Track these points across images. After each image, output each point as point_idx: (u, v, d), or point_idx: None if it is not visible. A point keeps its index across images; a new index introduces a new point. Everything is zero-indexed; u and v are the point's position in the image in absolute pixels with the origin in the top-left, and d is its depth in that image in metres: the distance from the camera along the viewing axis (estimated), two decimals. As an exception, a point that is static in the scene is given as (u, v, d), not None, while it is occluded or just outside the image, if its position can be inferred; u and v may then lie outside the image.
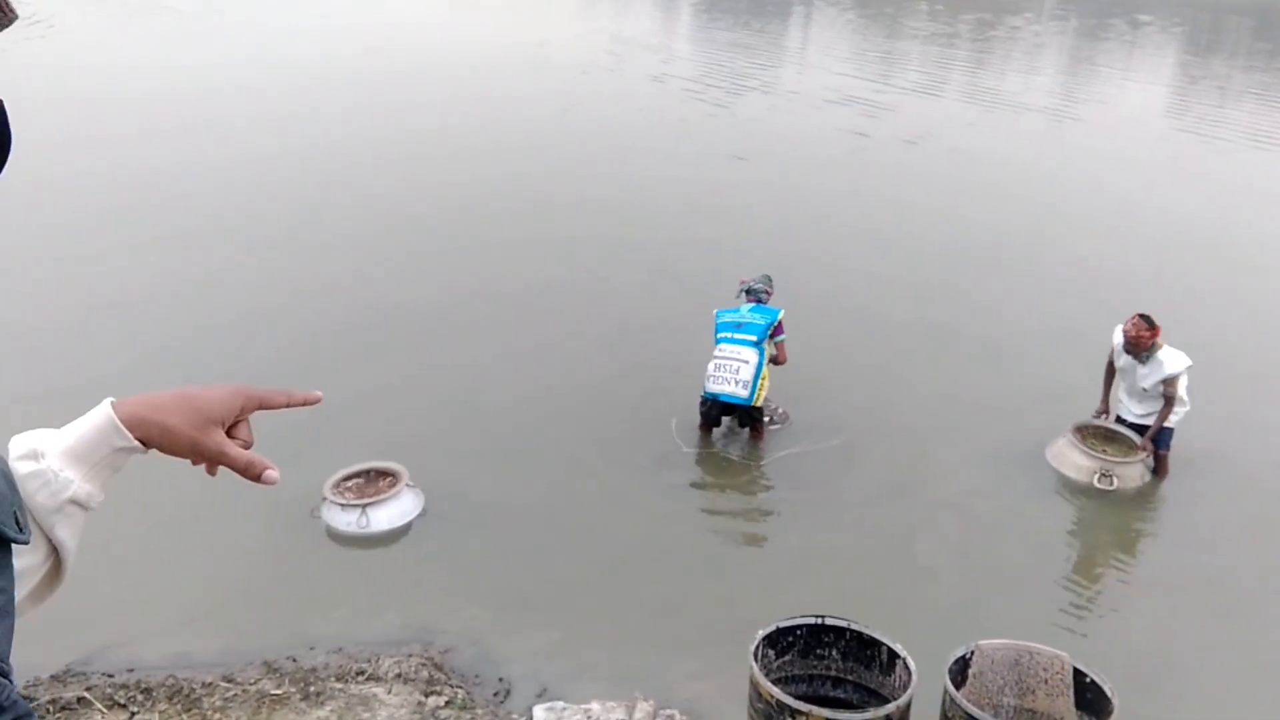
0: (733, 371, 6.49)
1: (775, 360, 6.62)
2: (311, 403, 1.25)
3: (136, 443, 1.08)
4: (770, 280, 6.93)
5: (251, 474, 1.17)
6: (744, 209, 11.82)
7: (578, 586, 5.37)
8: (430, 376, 7.53)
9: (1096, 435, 6.68)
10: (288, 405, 1.23)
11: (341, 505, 5.70)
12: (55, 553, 1.05)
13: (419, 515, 5.83)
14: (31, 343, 7.65)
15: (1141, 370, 6.35)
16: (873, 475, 6.55)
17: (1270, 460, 6.82)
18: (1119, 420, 6.71)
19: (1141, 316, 6.25)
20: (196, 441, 1.12)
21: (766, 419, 6.81)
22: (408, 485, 5.87)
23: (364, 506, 5.67)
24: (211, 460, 1.15)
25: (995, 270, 10.40)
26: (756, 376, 6.46)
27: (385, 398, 7.19)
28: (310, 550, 5.60)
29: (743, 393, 6.49)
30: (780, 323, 6.62)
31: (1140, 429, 6.57)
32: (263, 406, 1.20)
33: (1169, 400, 6.32)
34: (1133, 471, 6.47)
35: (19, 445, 1.04)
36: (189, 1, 26.68)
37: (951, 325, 8.90)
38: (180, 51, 20.55)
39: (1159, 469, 6.56)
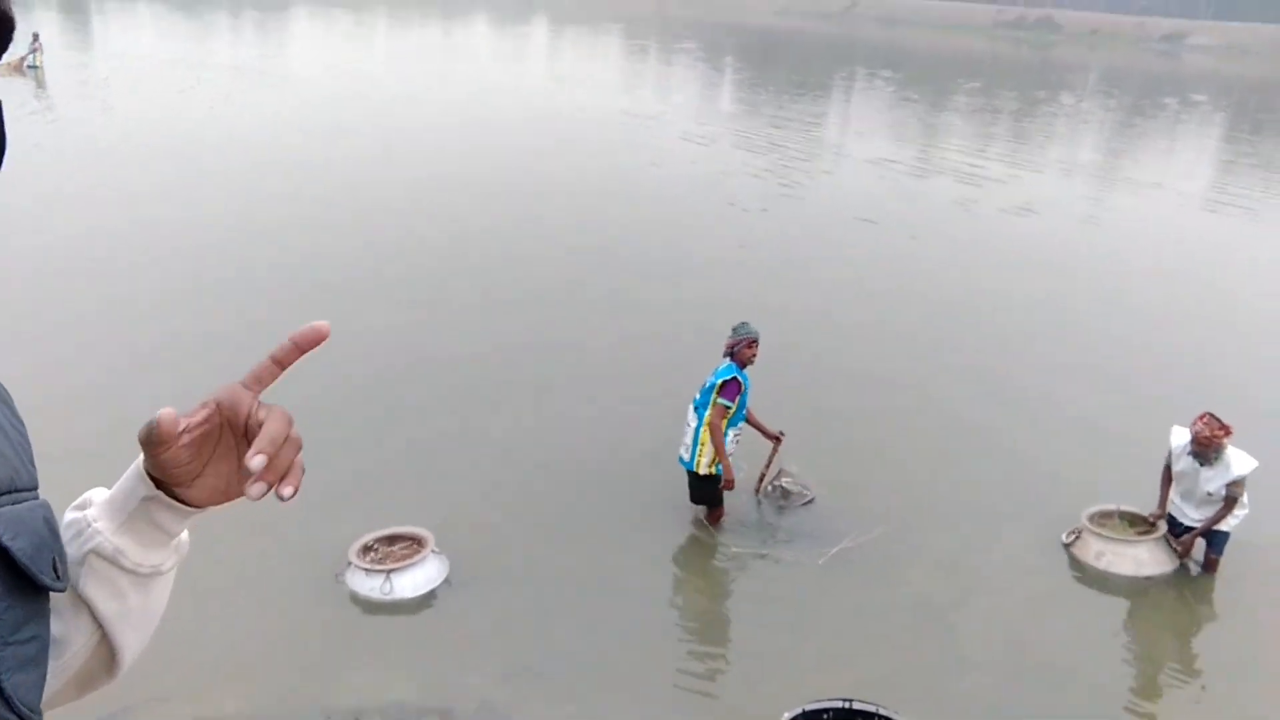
0: (687, 433, 6.33)
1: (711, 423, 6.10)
2: (320, 337, 1.02)
3: (157, 490, 0.97)
4: (742, 327, 6.19)
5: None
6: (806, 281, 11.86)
7: (599, 662, 5.27)
8: (461, 439, 7.55)
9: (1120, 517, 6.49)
10: (294, 357, 1.01)
11: (366, 570, 5.67)
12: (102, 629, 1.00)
13: (443, 583, 5.79)
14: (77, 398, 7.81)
15: (1206, 473, 5.92)
16: (908, 557, 6.38)
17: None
18: (1171, 525, 6.28)
19: (1212, 415, 5.85)
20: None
21: (722, 498, 6.42)
22: (433, 551, 5.84)
23: (388, 573, 5.64)
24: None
25: (1038, 354, 10.28)
26: (695, 438, 6.24)
27: (415, 459, 7.22)
28: (333, 615, 5.56)
29: (684, 454, 6.33)
30: (724, 383, 6.07)
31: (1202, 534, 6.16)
32: (260, 383, 0.99)
33: (1230, 501, 5.90)
34: (1132, 552, 6.22)
35: (84, 496, 1.01)
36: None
37: (992, 410, 8.79)
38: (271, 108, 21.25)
39: (1208, 569, 6.21)
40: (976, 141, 25.20)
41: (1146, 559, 6.24)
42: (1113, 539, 6.29)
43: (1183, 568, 6.28)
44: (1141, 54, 66.36)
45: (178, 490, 0.97)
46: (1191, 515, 6.15)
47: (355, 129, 20.56)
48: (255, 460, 0.88)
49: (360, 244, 12.37)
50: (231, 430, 0.97)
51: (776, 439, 6.76)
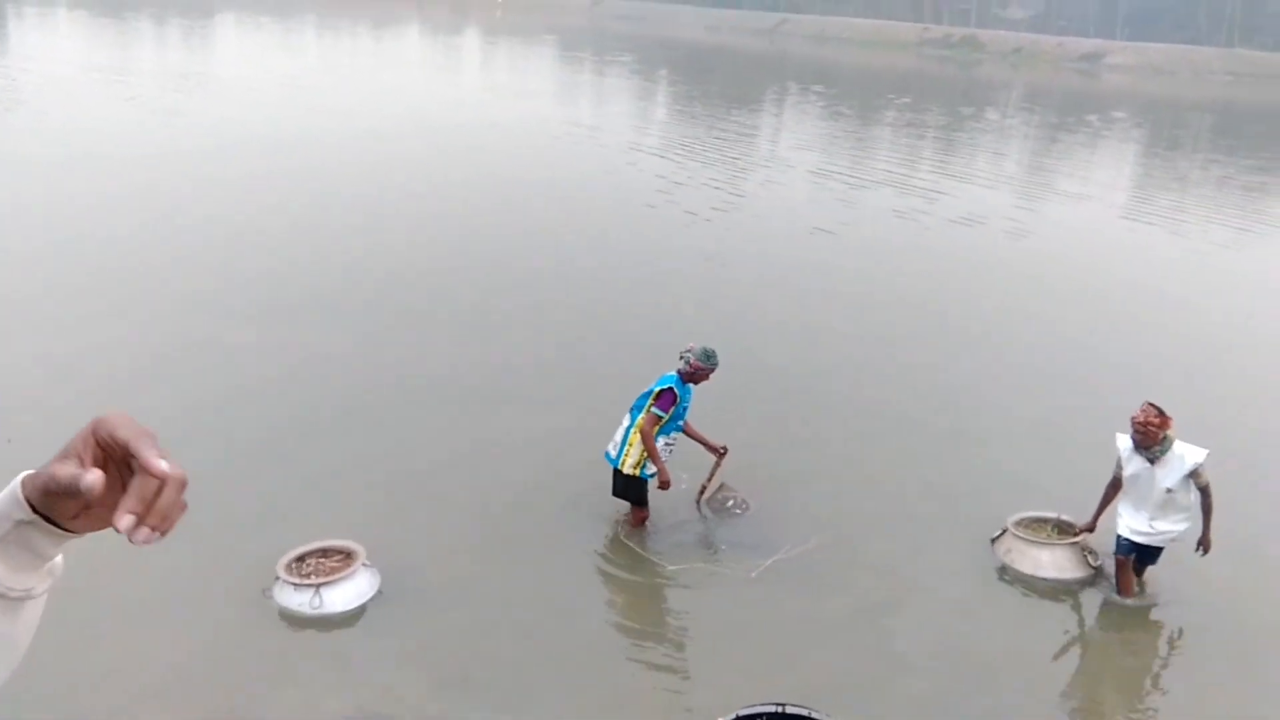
0: (618, 431, 6.42)
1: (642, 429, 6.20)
2: (153, 474, 0.92)
3: (34, 515, 0.93)
4: (703, 355, 6.25)
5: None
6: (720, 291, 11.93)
7: (534, 674, 5.22)
8: (394, 453, 7.43)
9: (1055, 526, 6.57)
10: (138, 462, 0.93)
11: (295, 585, 5.54)
12: None
13: (374, 596, 5.67)
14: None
15: (1160, 472, 5.72)
16: (843, 565, 6.43)
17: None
18: (1121, 543, 5.99)
19: (1151, 404, 5.68)
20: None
21: (646, 499, 6.48)
22: (364, 565, 5.73)
23: (317, 587, 5.51)
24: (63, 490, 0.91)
25: (972, 354, 10.50)
26: (625, 437, 6.33)
27: (345, 473, 7.08)
28: (262, 631, 5.42)
29: (612, 451, 6.41)
30: (660, 392, 6.22)
31: (1152, 552, 5.97)
32: (114, 439, 0.93)
33: (1205, 491, 5.72)
34: (1034, 553, 6.31)
35: None
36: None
37: (921, 411, 8.94)
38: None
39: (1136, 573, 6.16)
40: (911, 154, 25.70)
41: (1046, 561, 6.32)
42: (1021, 538, 6.40)
43: (1095, 579, 6.32)
44: (1062, 72, 68.42)
45: (58, 520, 0.95)
46: (1153, 526, 5.86)
47: (295, 140, 20.20)
48: (124, 521, 0.90)
49: (299, 260, 12.14)
50: (111, 461, 0.95)
51: (720, 453, 6.80)
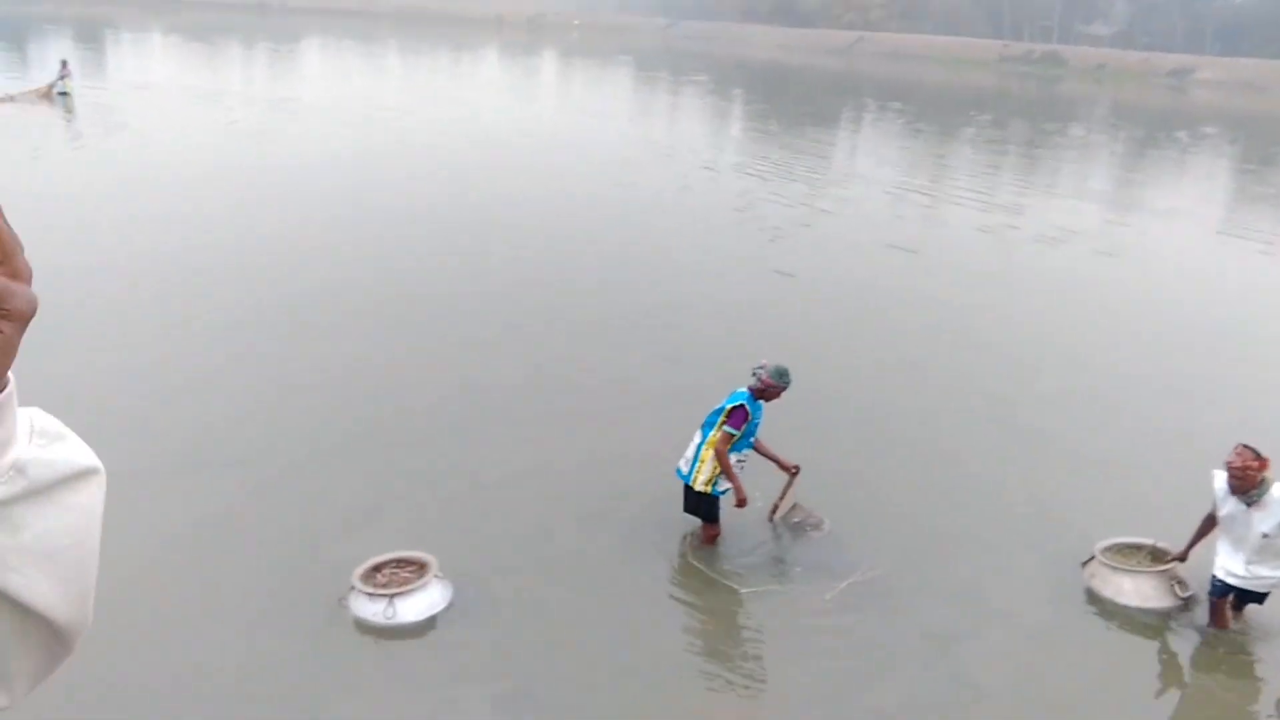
0: (689, 448, 6.38)
1: (714, 445, 6.17)
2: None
3: None
4: (775, 372, 6.22)
5: None
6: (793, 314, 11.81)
7: (598, 694, 5.16)
8: (469, 466, 7.46)
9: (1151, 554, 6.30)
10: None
11: (369, 594, 5.58)
12: None
13: (445, 608, 5.68)
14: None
15: (1257, 515, 5.39)
16: (918, 589, 6.25)
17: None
18: (1215, 583, 5.71)
19: (1245, 446, 5.40)
20: None
21: (717, 516, 6.42)
22: (436, 576, 5.75)
23: (391, 597, 5.55)
24: None
25: (1061, 374, 10.20)
26: (696, 454, 6.28)
27: (421, 485, 7.14)
28: (335, 639, 5.46)
29: (684, 467, 6.35)
30: (732, 409, 6.16)
31: (1250, 595, 5.68)
32: None
33: None
34: (1116, 579, 6.06)
35: None
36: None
37: (1004, 432, 8.70)
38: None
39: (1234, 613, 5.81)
40: (993, 171, 25.24)
41: (1129, 589, 6.07)
42: (1106, 564, 6.16)
43: (1185, 607, 6.03)
44: (1149, 89, 66.60)
45: None
46: (1251, 571, 5.55)
47: (376, 158, 20.66)
48: None
49: (375, 274, 12.34)
50: None
51: (792, 472, 6.69)
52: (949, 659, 5.58)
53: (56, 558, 0.93)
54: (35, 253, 0.85)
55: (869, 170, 23.91)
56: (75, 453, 0.94)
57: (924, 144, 31.21)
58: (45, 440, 0.92)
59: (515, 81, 48.64)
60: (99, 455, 0.98)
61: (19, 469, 0.89)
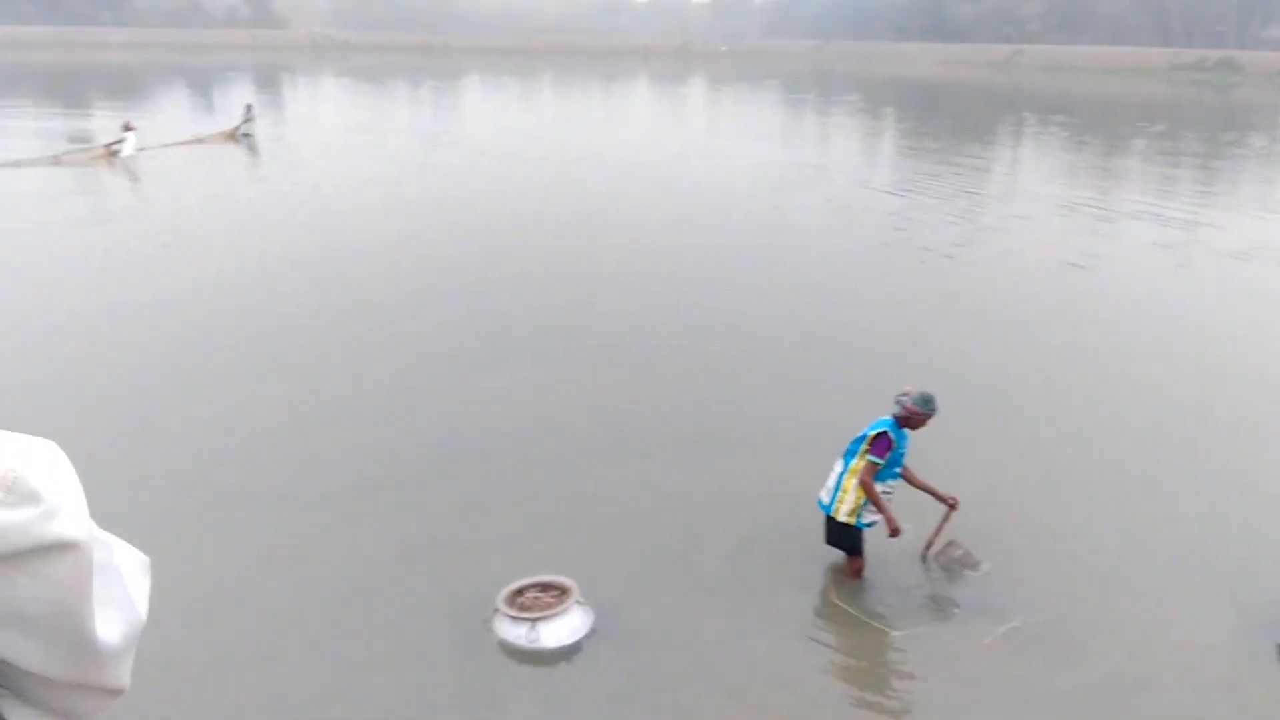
0: (830, 478, 6.17)
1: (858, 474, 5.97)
2: None
3: None
4: (920, 400, 5.95)
5: None
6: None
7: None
8: (611, 493, 7.45)
9: None
10: None
11: (512, 618, 5.61)
12: None
13: (587, 634, 5.66)
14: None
15: None
16: (1086, 636, 5.82)
17: None
18: None
19: None
20: None
21: (861, 548, 6.18)
22: (578, 602, 5.73)
23: (534, 621, 5.56)
24: None
25: (1257, 399, 9.43)
26: (838, 484, 6.05)
27: (565, 510, 7.17)
28: (479, 662, 5.51)
29: (825, 498, 6.12)
30: (875, 436, 5.92)
31: None
32: None
33: None
34: None
35: None
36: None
37: (1187, 466, 8.06)
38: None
39: None
40: (1168, 184, 23.76)
41: None
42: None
43: None
44: (1340, 93, 61.45)
45: None
46: None
47: (532, 188, 21.23)
48: None
49: (524, 301, 12.58)
50: None
51: (950, 504, 6.36)
52: (1118, 712, 5.15)
53: (36, 623, 0.89)
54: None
55: (1032, 185, 22.89)
56: (40, 522, 0.87)
57: (1090, 157, 29.69)
58: (12, 499, 0.86)
59: (664, 109, 49.19)
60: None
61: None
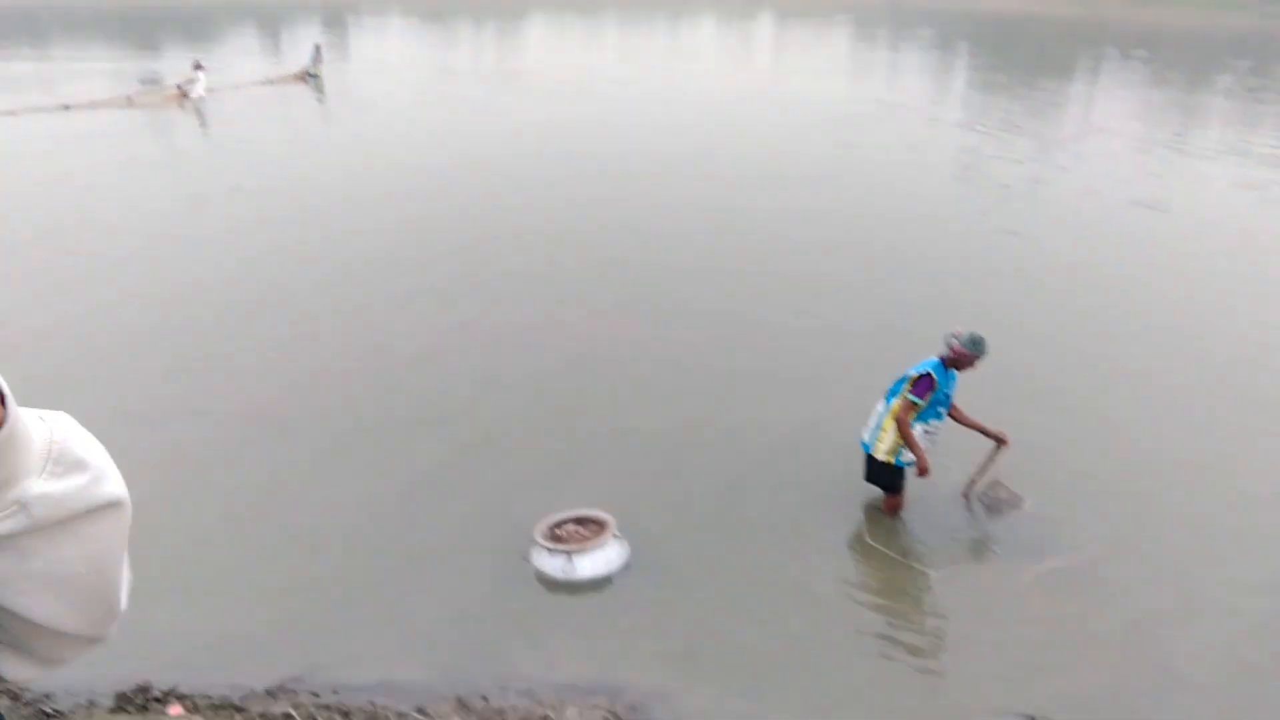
0: (872, 416, 6.16)
1: (897, 414, 5.91)
2: None
3: None
4: (969, 341, 5.84)
5: None
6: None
7: (766, 659, 5.06)
8: (653, 431, 7.50)
9: None
10: None
11: (549, 550, 5.73)
12: None
13: (623, 567, 5.75)
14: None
15: None
16: (1125, 575, 5.75)
17: None
18: None
19: None
20: None
21: (900, 486, 6.18)
22: (614, 536, 5.82)
23: (570, 553, 5.67)
24: None
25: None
26: (879, 423, 6.03)
27: (606, 448, 7.24)
28: (516, 591, 5.65)
29: (865, 436, 6.13)
30: (918, 377, 5.86)
31: None
32: None
33: None
34: None
35: None
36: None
37: (1236, 412, 7.83)
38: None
39: None
40: (1254, 123, 22.69)
41: None
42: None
43: None
44: None
45: None
46: None
47: (602, 127, 21.13)
48: None
49: (580, 242, 12.61)
50: None
51: (999, 441, 6.28)
52: (1156, 648, 5.10)
53: (70, 582, 0.94)
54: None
55: (1110, 124, 22.07)
56: (92, 487, 0.93)
57: (1172, 94, 28.45)
58: (61, 469, 0.91)
59: (733, 45, 48.27)
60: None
61: (22, 505, 0.89)
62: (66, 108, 21.79)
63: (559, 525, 5.99)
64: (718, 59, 40.52)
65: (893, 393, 6.05)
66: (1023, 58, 40.56)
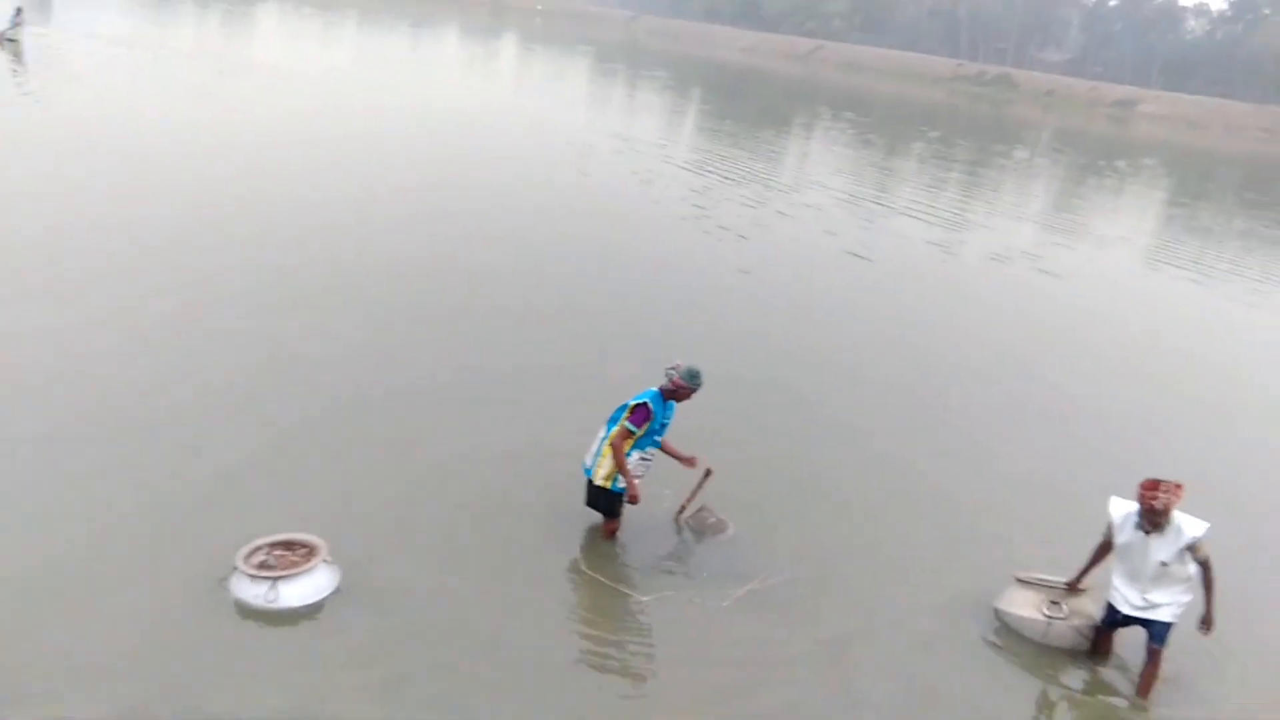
0: (594, 442, 6.34)
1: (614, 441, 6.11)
2: None
3: None
4: (687, 374, 6.13)
5: None
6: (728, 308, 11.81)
7: (479, 684, 5.04)
8: (376, 454, 7.26)
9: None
10: None
11: (250, 576, 5.38)
12: None
13: (332, 593, 5.51)
14: None
15: (1156, 542, 5.40)
16: (817, 598, 6.23)
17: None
18: (1110, 612, 5.75)
19: (1158, 480, 5.32)
20: None
21: (618, 511, 6.35)
22: (325, 561, 5.57)
23: (274, 580, 5.35)
24: None
25: (984, 395, 10.31)
26: (599, 449, 6.25)
27: (325, 468, 6.93)
28: (212, 620, 5.25)
29: (588, 461, 6.34)
30: (636, 406, 6.11)
31: (1142, 623, 5.59)
32: None
33: (1205, 565, 5.39)
34: (1085, 604, 5.99)
35: None
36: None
37: (921, 452, 8.74)
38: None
39: (1152, 661, 5.59)
40: (939, 186, 25.54)
41: (1020, 601, 6.04)
42: (1026, 583, 6.14)
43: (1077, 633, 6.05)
44: (1095, 118, 68.13)
45: None
46: (1144, 598, 5.55)
47: (344, 138, 20.22)
48: None
49: (324, 249, 12.04)
50: None
51: (704, 472, 6.65)
52: (840, 666, 5.57)
53: None
54: None
55: (822, 177, 24.03)
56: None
57: (874, 155, 31.48)
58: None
59: (475, 63, 48.07)
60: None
61: None
62: None
63: (265, 549, 5.64)
64: (460, 72, 40.21)
65: (613, 420, 6.23)
66: (748, 108, 43.40)
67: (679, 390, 6.20)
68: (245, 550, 5.54)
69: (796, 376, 9.95)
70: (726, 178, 21.33)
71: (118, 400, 7.48)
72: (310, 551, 5.64)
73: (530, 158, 20.53)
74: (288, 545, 5.71)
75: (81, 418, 7.12)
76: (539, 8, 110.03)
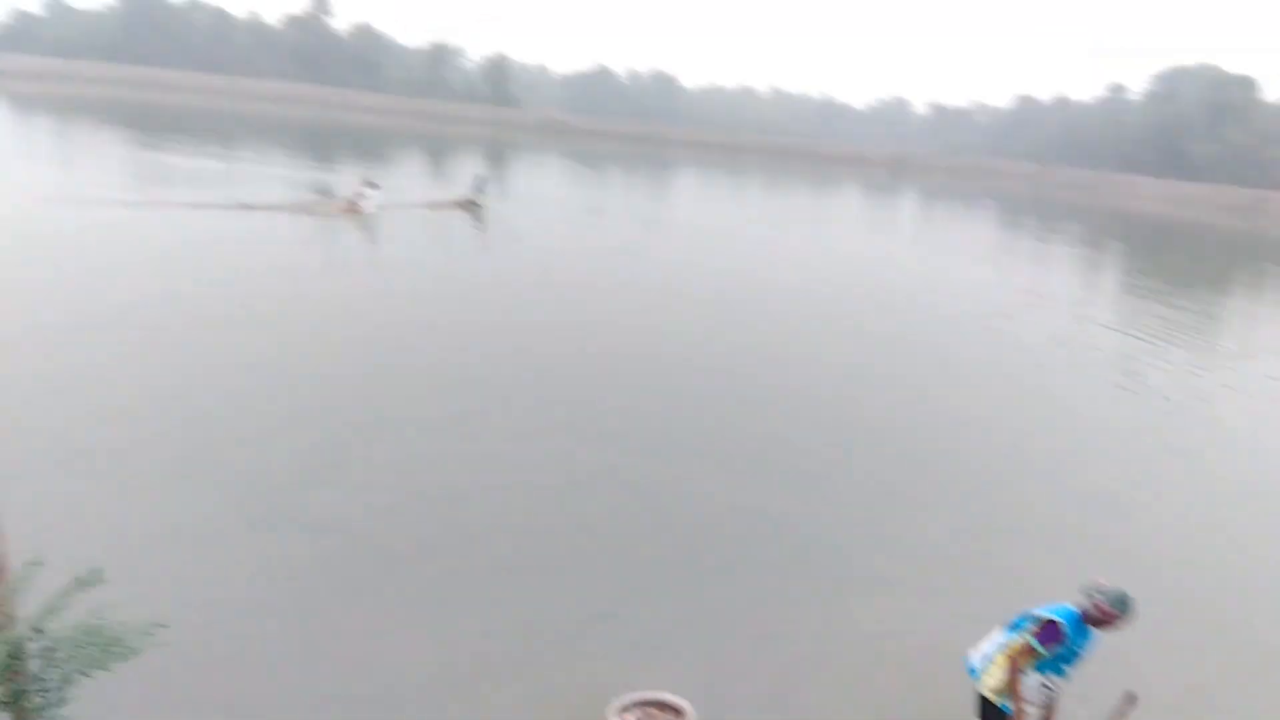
0: (987, 643, 5.44)
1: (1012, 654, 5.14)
2: None
3: None
4: (1116, 600, 5.00)
5: None
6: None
7: None
8: (737, 610, 7.01)
9: None
10: None
11: (620, 733, 5.26)
12: None
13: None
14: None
15: None
16: None
17: None
18: None
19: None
20: None
21: None
22: (693, 729, 5.32)
23: (643, 742, 5.18)
24: None
25: None
26: (990, 654, 5.30)
27: (691, 617, 6.77)
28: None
29: (975, 660, 5.41)
30: (1047, 622, 5.08)
31: None
32: None
33: None
34: None
35: None
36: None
37: None
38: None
39: None
40: None
41: None
42: None
43: None
44: None
45: None
46: None
47: (752, 285, 21.30)
48: None
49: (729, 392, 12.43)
50: None
51: (1127, 697, 5.38)
52: None
53: None
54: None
55: (1275, 345, 20.87)
56: None
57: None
58: None
59: (876, 218, 48.63)
60: None
61: None
62: (246, 207, 23.23)
63: (634, 706, 5.53)
64: (861, 228, 40.73)
65: (1015, 626, 5.35)
66: (1177, 264, 39.40)
67: (1105, 619, 5.07)
68: (615, 704, 5.46)
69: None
70: (1156, 340, 19.17)
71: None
72: (678, 714, 5.44)
73: (932, 316, 19.88)
74: (660, 705, 5.56)
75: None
76: (941, 164, 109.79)
